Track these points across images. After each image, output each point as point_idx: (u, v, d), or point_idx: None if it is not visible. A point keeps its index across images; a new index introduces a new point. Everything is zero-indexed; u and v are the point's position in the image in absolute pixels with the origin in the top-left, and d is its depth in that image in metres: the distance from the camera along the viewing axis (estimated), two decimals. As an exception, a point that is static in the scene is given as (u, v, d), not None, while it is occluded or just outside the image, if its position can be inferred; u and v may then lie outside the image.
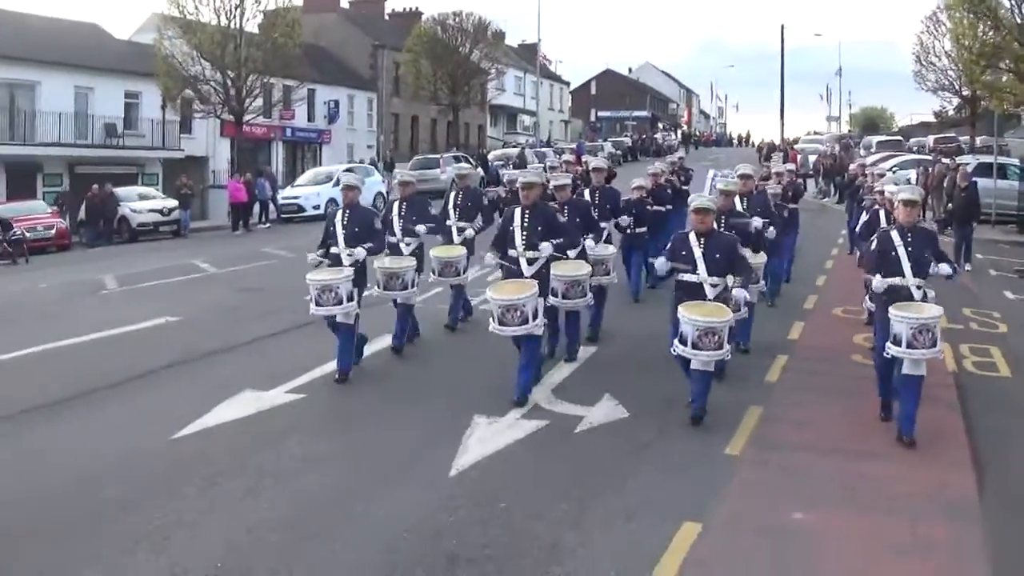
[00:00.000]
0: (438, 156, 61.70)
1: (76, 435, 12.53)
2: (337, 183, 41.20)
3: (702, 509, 9.81)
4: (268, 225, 47.15)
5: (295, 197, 48.49)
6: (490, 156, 67.21)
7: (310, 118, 68.17)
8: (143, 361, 15.91)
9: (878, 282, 12.41)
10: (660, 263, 13.22)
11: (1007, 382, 16.21)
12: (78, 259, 35.98)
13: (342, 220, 15.33)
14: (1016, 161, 44.09)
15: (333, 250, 15.28)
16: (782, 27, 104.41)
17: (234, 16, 52.54)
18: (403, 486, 10.50)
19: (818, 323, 19.78)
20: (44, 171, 51.03)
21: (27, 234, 37.21)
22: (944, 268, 12.44)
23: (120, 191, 45.64)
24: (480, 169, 55.37)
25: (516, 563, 8.69)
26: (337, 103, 72.69)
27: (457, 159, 60.20)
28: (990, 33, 48.61)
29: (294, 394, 14.22)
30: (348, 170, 43.60)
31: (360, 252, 14.98)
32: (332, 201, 39.82)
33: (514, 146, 77.63)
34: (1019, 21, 45.36)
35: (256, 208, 48.01)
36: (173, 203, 46.26)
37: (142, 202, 45.66)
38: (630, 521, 9.65)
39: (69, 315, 21.22)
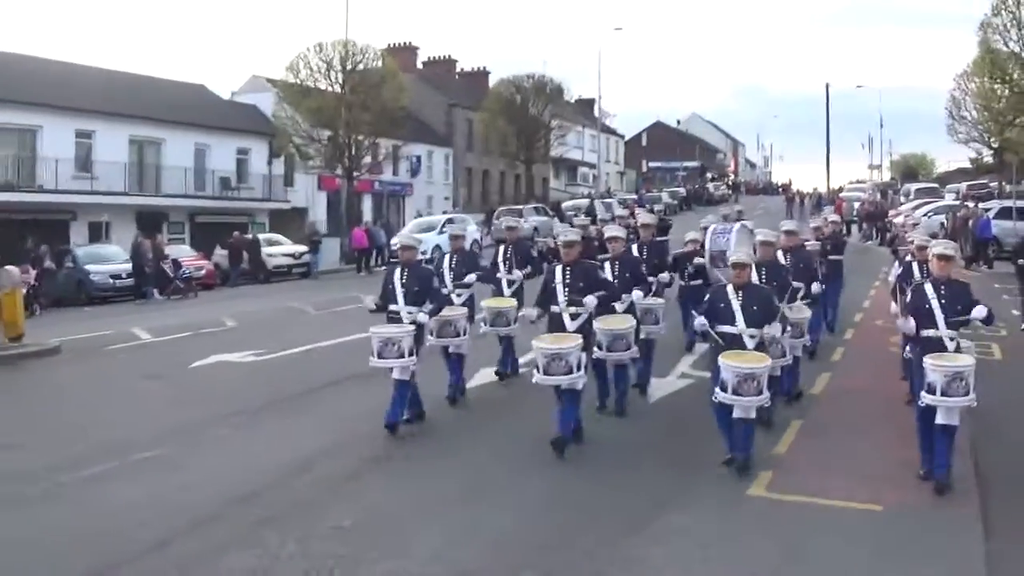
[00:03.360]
0: (520, 207, 64.80)
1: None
2: (442, 231, 46.97)
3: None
4: (384, 268, 50.59)
5: (420, 243, 51.76)
6: (563, 206, 71.63)
7: (395, 172, 71.68)
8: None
9: (902, 322, 12.71)
10: (699, 322, 13.39)
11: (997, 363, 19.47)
12: (234, 295, 41.00)
13: (400, 278, 15.37)
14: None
15: (392, 308, 15.29)
16: (827, 85, 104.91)
17: (345, 82, 58.01)
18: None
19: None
20: (169, 219, 55.86)
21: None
22: (979, 311, 12.34)
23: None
24: (556, 217, 60.75)
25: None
26: (419, 158, 77.01)
27: (537, 210, 64.97)
28: (1007, 95, 52.30)
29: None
30: (450, 220, 49.31)
31: (422, 316, 15.15)
32: (437, 247, 43.48)
33: (583, 197, 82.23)
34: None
35: (374, 253, 51.94)
36: (303, 248, 51.24)
37: (275, 247, 50.76)
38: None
39: (294, 329, 25.94)
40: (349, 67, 58.96)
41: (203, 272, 44.83)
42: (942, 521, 10.84)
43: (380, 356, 14.73)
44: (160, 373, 20.87)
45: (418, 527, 10.73)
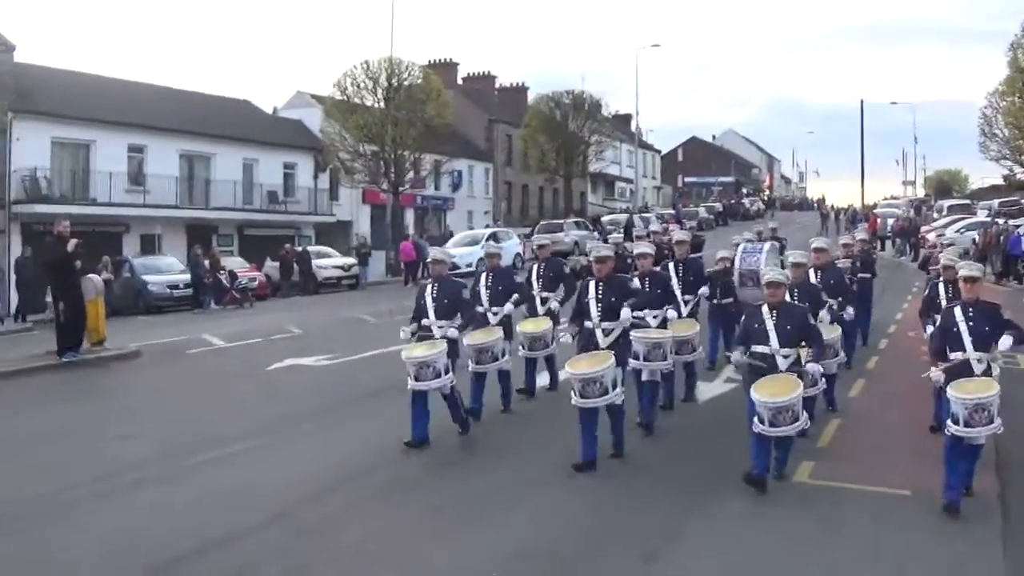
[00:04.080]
0: (561, 221, 66.14)
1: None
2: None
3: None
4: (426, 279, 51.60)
5: (452, 257, 52.71)
6: (603, 220, 72.58)
7: (436, 187, 73.00)
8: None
9: (935, 374, 12.44)
10: (735, 358, 13.71)
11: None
12: (287, 305, 42.47)
13: (431, 293, 15.49)
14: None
15: (424, 322, 15.39)
16: (862, 101, 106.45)
17: (391, 98, 59.54)
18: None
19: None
20: (219, 232, 57.31)
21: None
22: (1004, 342, 12.24)
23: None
24: (596, 232, 61.55)
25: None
26: (460, 173, 78.19)
27: (578, 224, 66.12)
28: None
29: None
30: (493, 235, 50.43)
31: (452, 331, 15.18)
32: (481, 260, 42.68)
33: (622, 212, 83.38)
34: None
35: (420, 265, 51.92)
36: (352, 260, 52.61)
37: (325, 259, 52.13)
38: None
39: (358, 336, 27.20)
40: (395, 83, 60.33)
41: (256, 283, 46.05)
42: (964, 505, 11.58)
43: (418, 379, 14.71)
44: (242, 374, 22.34)
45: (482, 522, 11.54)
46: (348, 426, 16.61)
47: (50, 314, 28.59)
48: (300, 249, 52.86)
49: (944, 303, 14.64)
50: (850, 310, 18.19)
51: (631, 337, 14.78)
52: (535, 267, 19.14)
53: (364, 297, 44.97)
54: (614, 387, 13.50)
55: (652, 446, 15.04)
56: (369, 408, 17.78)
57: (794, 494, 12.55)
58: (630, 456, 14.17)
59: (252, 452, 14.96)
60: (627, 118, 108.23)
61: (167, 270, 44.05)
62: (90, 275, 25.56)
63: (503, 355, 16.45)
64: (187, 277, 42.59)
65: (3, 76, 39.03)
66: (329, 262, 52.15)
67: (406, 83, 60.98)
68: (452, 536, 11.15)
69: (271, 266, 50.64)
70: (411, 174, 61.71)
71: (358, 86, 60.70)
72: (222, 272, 43.00)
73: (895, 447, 14.84)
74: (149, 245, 51.82)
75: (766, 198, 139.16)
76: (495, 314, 17.12)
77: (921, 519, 11.55)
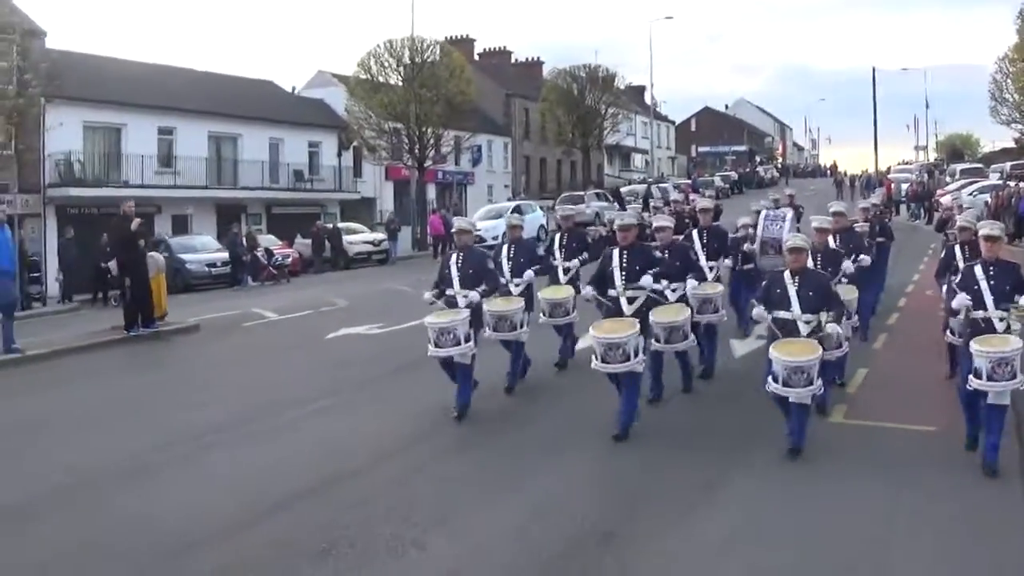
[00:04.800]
0: (582, 193, 66.48)
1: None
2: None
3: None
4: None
5: (478, 230, 52.93)
6: (622, 191, 73.09)
7: (456, 162, 73.34)
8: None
9: (959, 300, 12.37)
10: (757, 312, 13.26)
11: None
12: (322, 280, 43.44)
13: (456, 262, 15.54)
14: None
15: (448, 292, 15.43)
16: (873, 69, 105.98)
17: (415, 77, 60.27)
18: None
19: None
20: (247, 211, 58.42)
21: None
22: None
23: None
24: (616, 202, 62.55)
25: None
26: (479, 148, 78.54)
27: (599, 195, 66.87)
28: None
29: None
30: (516, 207, 51.31)
31: (475, 296, 15.14)
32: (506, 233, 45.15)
33: (640, 182, 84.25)
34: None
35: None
36: (382, 236, 53.91)
37: (355, 235, 53.45)
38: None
39: (401, 306, 26.88)
40: (417, 61, 61.11)
41: (290, 260, 47.14)
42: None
43: (437, 345, 14.80)
44: (300, 344, 23.54)
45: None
46: (411, 388, 17.32)
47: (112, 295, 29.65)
48: (331, 226, 53.93)
49: (961, 264, 14.27)
50: (865, 258, 18.11)
51: (650, 320, 14.49)
52: (558, 237, 19.32)
53: (395, 271, 45.90)
54: (636, 355, 13.54)
55: (688, 407, 15.72)
56: (424, 372, 17.71)
57: (832, 431, 13.87)
58: (668, 419, 14.83)
59: (321, 413, 16.12)
60: (641, 90, 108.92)
61: (202, 249, 45.29)
62: (152, 254, 26.86)
63: (521, 325, 16.35)
64: (224, 255, 43.79)
65: (36, 63, 39.94)
66: (359, 238, 53.42)
67: (428, 60, 61.66)
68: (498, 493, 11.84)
69: (302, 243, 51.53)
70: (434, 151, 62.42)
71: (382, 65, 61.70)
72: (258, 250, 44.37)
73: (918, 392, 16.04)
74: (180, 225, 52.68)
75: (780, 166, 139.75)
76: (517, 285, 17.00)
77: (941, 451, 12.75)
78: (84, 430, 15.69)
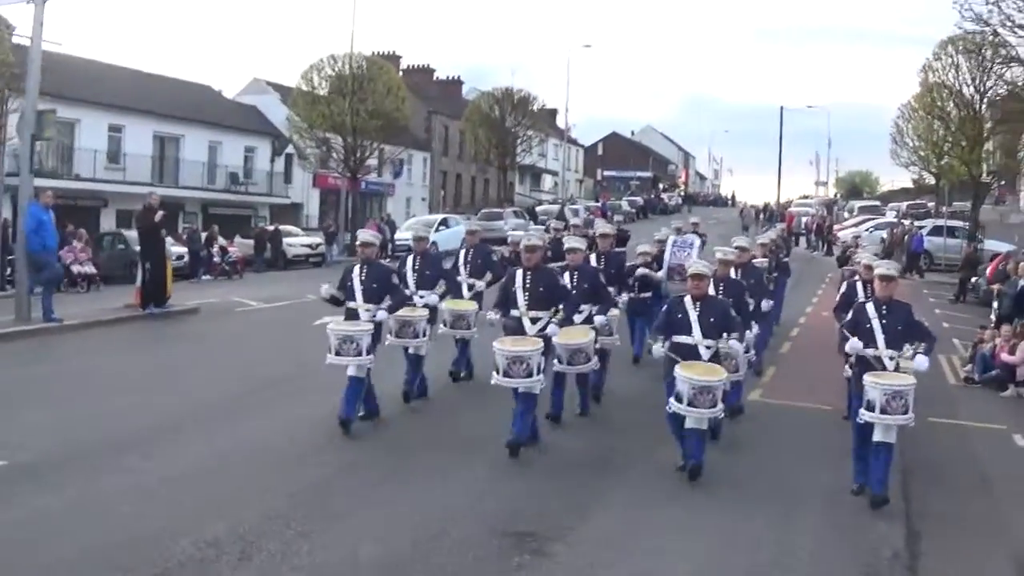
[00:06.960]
0: (500, 210, 70.45)
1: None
2: (439, 229, 51.80)
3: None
4: (389, 260, 51.75)
5: (406, 240, 51.09)
6: (537, 210, 76.76)
7: (379, 173, 73.95)
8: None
9: (851, 344, 12.70)
10: (656, 349, 13.62)
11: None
12: (268, 279, 45.28)
13: (359, 276, 15.30)
14: (961, 224, 55.83)
15: (351, 305, 15.26)
16: (781, 109, 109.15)
17: (354, 92, 62.16)
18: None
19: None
20: (185, 210, 60.21)
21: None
22: (920, 362, 12.59)
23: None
24: (531, 220, 65.82)
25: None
26: (402, 161, 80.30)
27: (516, 214, 70.30)
28: (942, 132, 56.78)
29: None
30: (444, 220, 54.38)
31: (382, 314, 15.08)
32: (434, 244, 46.69)
33: (552, 203, 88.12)
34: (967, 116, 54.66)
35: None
36: (319, 239, 56.90)
37: (295, 238, 56.15)
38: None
39: None
40: (358, 75, 63.14)
41: (236, 258, 49.16)
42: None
43: (338, 353, 14.75)
44: (293, 327, 26.39)
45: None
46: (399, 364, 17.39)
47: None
48: (272, 228, 56.46)
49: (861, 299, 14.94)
50: (765, 303, 18.86)
51: (554, 342, 14.45)
52: (463, 252, 19.56)
53: (332, 272, 45.76)
54: (538, 372, 13.71)
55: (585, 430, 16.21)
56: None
57: (752, 409, 17.89)
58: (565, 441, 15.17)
59: (310, 387, 17.74)
60: (554, 112, 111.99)
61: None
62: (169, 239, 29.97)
63: (423, 334, 16.54)
64: (180, 250, 45.30)
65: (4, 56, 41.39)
66: (297, 240, 56.10)
67: (368, 77, 63.57)
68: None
69: (242, 242, 53.28)
70: (372, 161, 64.93)
71: (324, 79, 63.91)
72: (214, 247, 47.15)
73: (817, 382, 20.31)
74: (124, 220, 53.28)
75: (683, 193, 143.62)
76: (421, 297, 17.00)
77: (835, 425, 16.69)
78: (146, 388, 17.99)
